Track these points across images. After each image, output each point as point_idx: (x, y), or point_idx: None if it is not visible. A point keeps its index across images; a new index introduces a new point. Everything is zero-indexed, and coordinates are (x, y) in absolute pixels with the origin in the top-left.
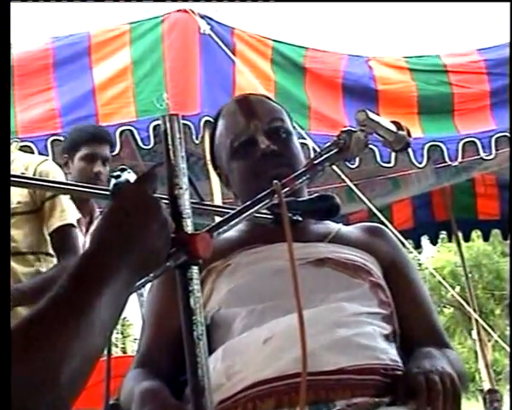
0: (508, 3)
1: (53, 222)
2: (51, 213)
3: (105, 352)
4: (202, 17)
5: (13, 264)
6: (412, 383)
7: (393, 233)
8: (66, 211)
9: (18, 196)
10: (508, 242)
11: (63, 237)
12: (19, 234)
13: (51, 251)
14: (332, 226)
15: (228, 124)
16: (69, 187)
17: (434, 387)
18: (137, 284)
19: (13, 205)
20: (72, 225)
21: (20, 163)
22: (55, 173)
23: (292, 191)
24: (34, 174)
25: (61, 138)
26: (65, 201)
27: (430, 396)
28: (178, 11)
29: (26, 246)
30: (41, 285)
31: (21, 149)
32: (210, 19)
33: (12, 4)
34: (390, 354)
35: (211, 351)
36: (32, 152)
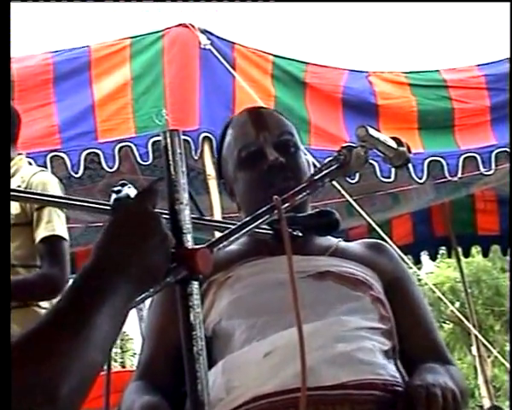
0: (508, 3)
1: (39, 233)
2: (38, 223)
3: (104, 367)
4: (203, 32)
5: None
6: (413, 396)
7: (393, 249)
8: (53, 222)
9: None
10: (507, 258)
11: (48, 247)
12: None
13: None
14: (333, 241)
15: (237, 134)
16: (68, 201)
17: (434, 400)
18: (137, 299)
19: None
20: (59, 237)
21: (19, 175)
22: (47, 184)
23: (294, 206)
24: (27, 186)
25: (61, 154)
26: (53, 212)
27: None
28: (179, 26)
29: (16, 258)
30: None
31: None
32: (210, 33)
33: (12, 15)
34: (389, 369)
35: (212, 363)
36: None
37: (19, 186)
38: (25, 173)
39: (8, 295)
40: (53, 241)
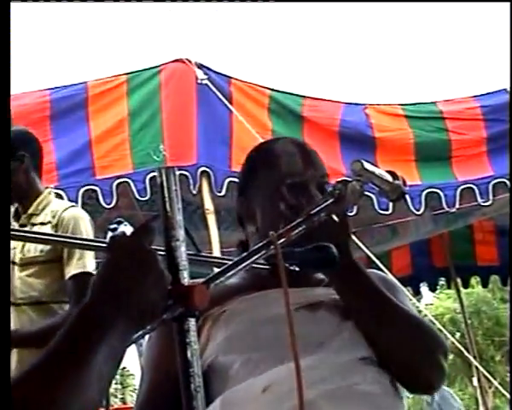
0: (508, 3)
1: (70, 270)
2: (69, 260)
3: (104, 403)
4: (199, 67)
5: (32, 314)
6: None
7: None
8: (85, 259)
9: (41, 244)
10: (507, 288)
11: (78, 285)
12: (40, 283)
13: None
14: None
15: (284, 161)
16: (65, 239)
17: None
18: (135, 336)
19: (36, 253)
20: (89, 274)
21: (49, 210)
22: (79, 219)
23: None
24: (58, 221)
25: (58, 191)
26: None
27: None
28: (176, 61)
29: (49, 295)
30: (45, 331)
31: None
32: (207, 68)
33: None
34: (388, 400)
35: (209, 398)
36: None
37: (49, 222)
38: (55, 208)
39: (7, 296)
40: (83, 278)
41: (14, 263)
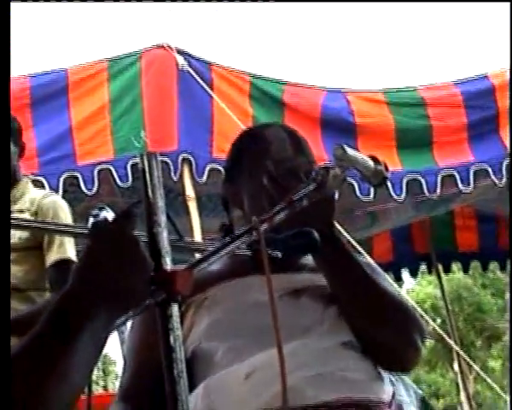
0: (508, 3)
1: (50, 256)
2: (49, 247)
3: (86, 390)
4: (180, 53)
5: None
6: None
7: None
8: (65, 245)
9: (20, 231)
10: (488, 274)
11: (59, 271)
12: (19, 270)
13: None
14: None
15: (275, 147)
16: (47, 226)
17: None
18: (117, 322)
19: (14, 240)
20: (70, 260)
21: (28, 198)
22: (58, 208)
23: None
24: (38, 208)
25: (39, 178)
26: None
27: None
28: (156, 47)
29: (27, 282)
30: (25, 319)
31: None
32: (188, 55)
33: None
34: (371, 386)
35: (192, 385)
36: None
37: (28, 209)
38: (33, 196)
39: (7, 293)
40: (64, 265)
41: None
